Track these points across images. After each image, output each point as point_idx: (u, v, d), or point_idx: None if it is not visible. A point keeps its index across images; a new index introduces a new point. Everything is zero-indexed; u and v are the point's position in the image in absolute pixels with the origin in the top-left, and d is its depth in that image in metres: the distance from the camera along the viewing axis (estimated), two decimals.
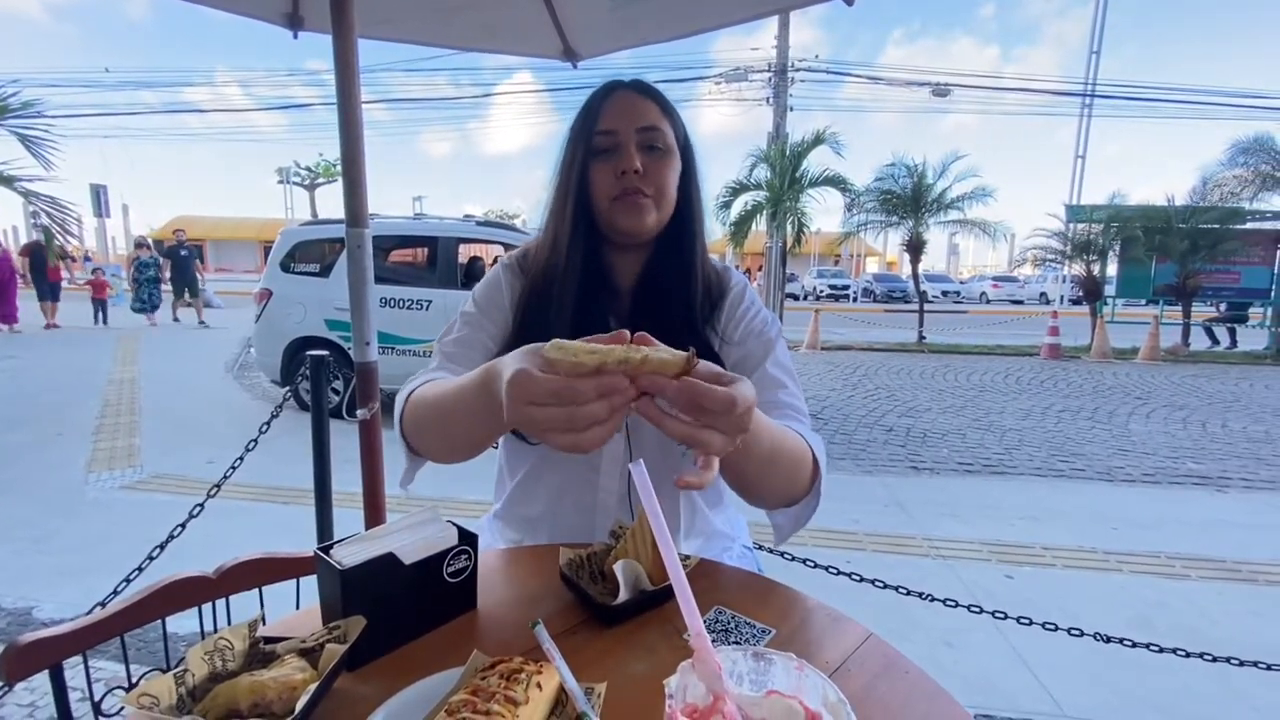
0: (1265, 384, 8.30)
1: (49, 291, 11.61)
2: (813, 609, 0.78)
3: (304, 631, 0.67)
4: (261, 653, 0.64)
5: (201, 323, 12.24)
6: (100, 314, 12.16)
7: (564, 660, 0.61)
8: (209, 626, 1.05)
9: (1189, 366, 9.84)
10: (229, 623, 1.02)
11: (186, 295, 12.53)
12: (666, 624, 0.73)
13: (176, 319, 12.79)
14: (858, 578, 1.76)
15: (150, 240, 13.24)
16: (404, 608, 0.70)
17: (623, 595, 0.72)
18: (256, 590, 1.05)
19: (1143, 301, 14.34)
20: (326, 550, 0.70)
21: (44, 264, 11.33)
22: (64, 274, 12.33)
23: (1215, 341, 12.09)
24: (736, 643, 0.70)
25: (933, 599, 1.72)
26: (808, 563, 1.84)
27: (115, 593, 1.48)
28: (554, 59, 2.10)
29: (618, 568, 0.73)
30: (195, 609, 1.01)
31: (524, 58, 2.26)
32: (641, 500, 0.48)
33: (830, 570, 1.79)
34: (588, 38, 2.02)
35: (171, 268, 12.40)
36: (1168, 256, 11.46)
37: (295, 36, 2.02)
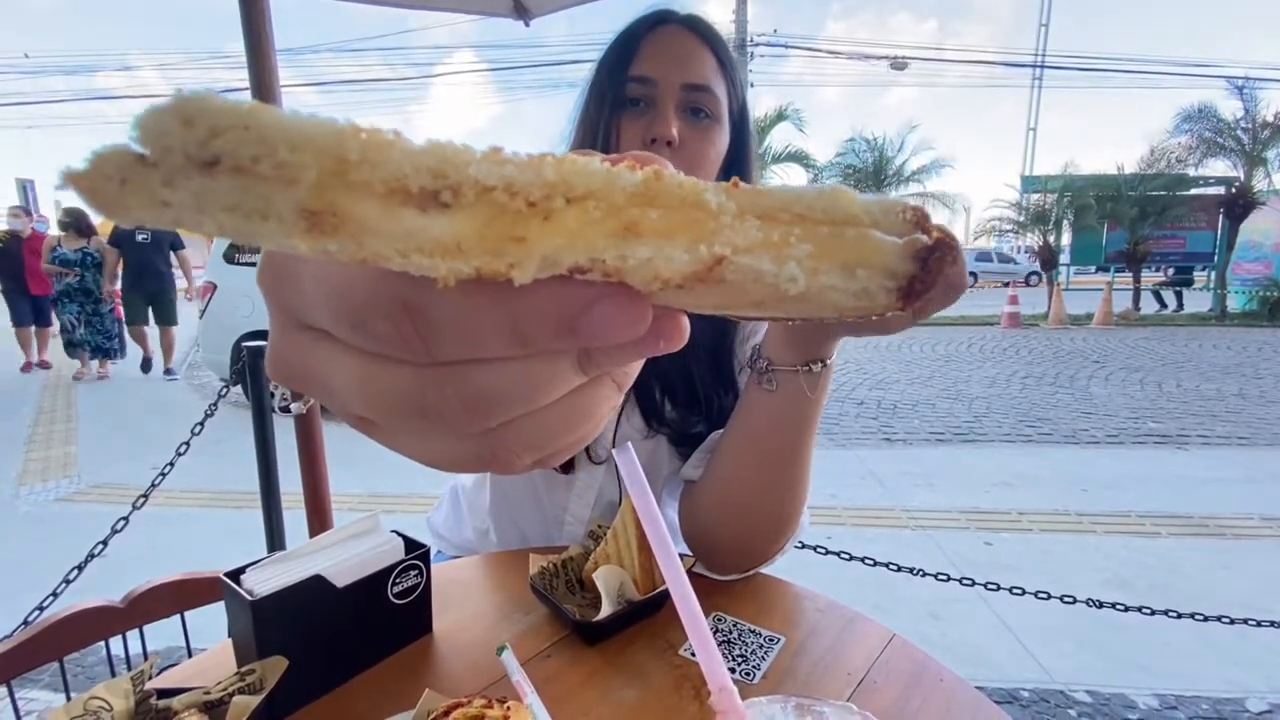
0: (1212, 344, 8.61)
1: (29, 312, 6.72)
2: (824, 610, 0.68)
3: (213, 678, 0.54)
4: (153, 710, 0.51)
5: (168, 371, 6.69)
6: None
7: (537, 694, 0.50)
8: (122, 663, 0.91)
9: (1140, 329, 10.17)
10: (144, 657, 0.88)
11: (152, 319, 6.53)
12: (658, 639, 0.62)
13: (146, 364, 6.77)
14: (846, 556, 1.69)
15: (77, 214, 6.29)
16: (337, 641, 0.57)
17: (605, 608, 0.61)
18: (179, 617, 0.91)
19: (1092, 269, 14.79)
20: (237, 575, 0.57)
21: (18, 268, 6.49)
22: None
23: (1163, 305, 12.54)
24: (742, 656, 0.60)
25: (924, 574, 1.66)
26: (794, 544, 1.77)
27: (27, 622, 1.31)
28: (503, 16, 1.94)
29: (598, 576, 0.62)
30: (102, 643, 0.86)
31: (466, 18, 2.08)
32: (631, 494, 0.37)
33: (819, 550, 1.71)
34: None
35: (124, 268, 6.33)
36: (1118, 224, 11.80)
37: None
